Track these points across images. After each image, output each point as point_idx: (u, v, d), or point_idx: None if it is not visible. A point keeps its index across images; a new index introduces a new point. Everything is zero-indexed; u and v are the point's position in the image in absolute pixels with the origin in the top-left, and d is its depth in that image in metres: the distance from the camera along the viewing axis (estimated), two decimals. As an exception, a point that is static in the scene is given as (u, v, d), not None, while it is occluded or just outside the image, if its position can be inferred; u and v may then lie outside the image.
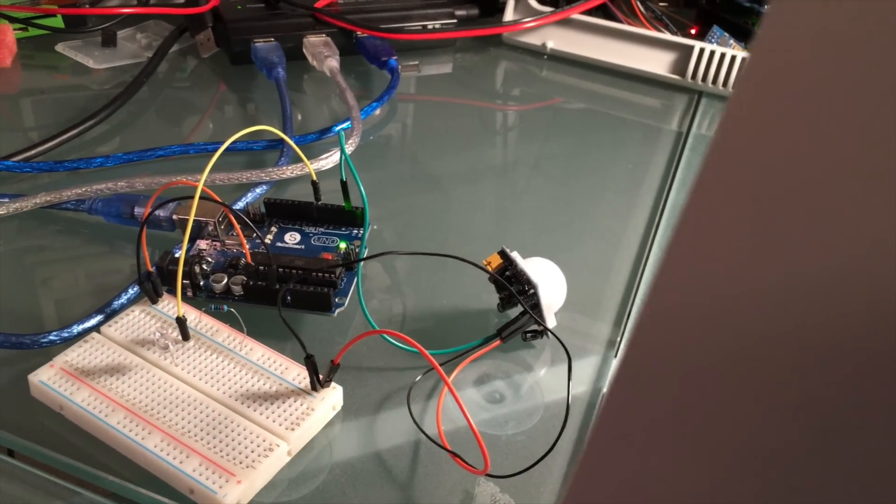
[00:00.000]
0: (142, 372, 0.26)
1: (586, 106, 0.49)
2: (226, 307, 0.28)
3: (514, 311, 0.31)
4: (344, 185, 0.32)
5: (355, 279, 0.31)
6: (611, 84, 0.50)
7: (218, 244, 0.32)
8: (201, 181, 0.27)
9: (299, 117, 0.45)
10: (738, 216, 0.11)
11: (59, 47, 0.48)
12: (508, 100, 0.50)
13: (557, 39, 0.51)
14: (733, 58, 0.47)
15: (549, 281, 0.29)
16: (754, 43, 0.11)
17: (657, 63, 0.49)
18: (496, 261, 0.30)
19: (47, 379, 0.26)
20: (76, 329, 0.28)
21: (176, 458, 0.24)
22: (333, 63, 0.45)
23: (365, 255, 0.31)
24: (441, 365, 0.24)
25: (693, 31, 0.53)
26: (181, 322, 0.27)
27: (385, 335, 0.29)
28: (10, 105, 0.46)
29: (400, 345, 0.29)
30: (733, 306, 0.11)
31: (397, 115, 0.46)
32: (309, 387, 0.26)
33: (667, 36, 0.49)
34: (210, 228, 0.32)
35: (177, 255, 0.31)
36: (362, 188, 0.29)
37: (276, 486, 0.25)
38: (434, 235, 0.37)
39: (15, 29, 0.48)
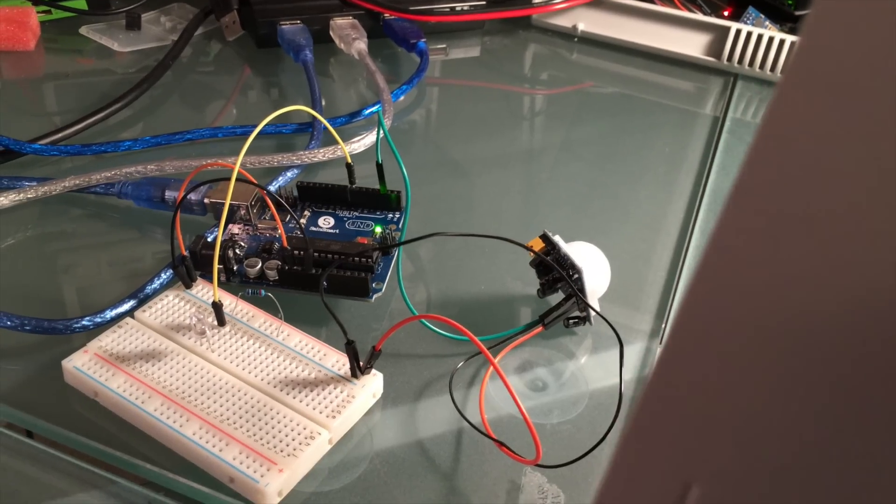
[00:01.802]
0: (178, 358, 0.26)
1: (618, 90, 0.48)
2: (263, 292, 0.28)
3: (554, 298, 0.30)
4: (380, 167, 0.31)
5: (392, 264, 0.30)
6: (643, 67, 0.49)
7: (250, 228, 0.31)
8: (237, 163, 0.26)
9: (323, 102, 0.44)
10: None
11: (83, 30, 0.48)
12: (538, 84, 0.49)
13: (588, 21, 0.50)
14: (770, 39, 0.46)
15: (593, 266, 0.29)
16: (804, 26, 0.11)
17: (691, 45, 0.48)
18: (538, 245, 0.29)
19: (82, 365, 0.25)
20: (109, 314, 0.27)
21: (215, 445, 0.23)
22: (362, 45, 0.44)
23: (405, 238, 0.30)
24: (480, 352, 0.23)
25: (726, 13, 0.52)
26: (217, 307, 0.26)
27: (426, 321, 0.28)
28: (34, 88, 0.45)
29: (442, 331, 0.28)
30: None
31: (424, 99, 0.45)
32: (349, 374, 0.26)
33: (701, 17, 0.48)
34: (242, 212, 0.31)
35: (210, 240, 0.30)
36: (404, 169, 0.28)
37: (317, 475, 0.24)
38: (467, 221, 0.36)
39: (39, 12, 0.47)
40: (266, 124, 0.29)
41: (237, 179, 0.26)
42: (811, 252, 0.11)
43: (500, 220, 0.36)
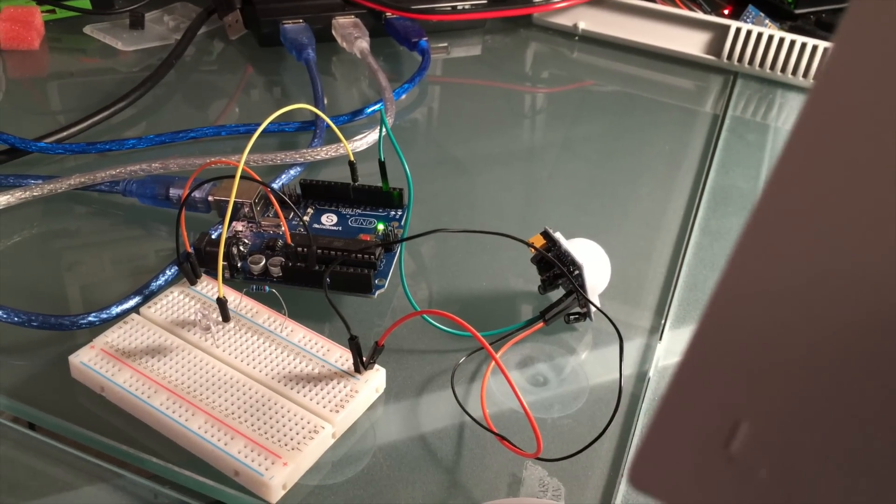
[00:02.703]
0: (183, 353, 0.26)
1: (619, 88, 0.48)
2: (267, 288, 0.28)
3: (555, 294, 0.30)
4: (382, 165, 0.31)
5: (395, 260, 0.30)
6: (643, 65, 0.49)
7: (254, 226, 0.31)
8: (241, 161, 0.26)
9: (325, 101, 0.44)
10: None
11: (87, 29, 0.48)
12: (539, 82, 0.49)
13: (589, 20, 0.50)
14: (770, 37, 0.46)
15: (593, 262, 0.29)
16: (839, 30, 0.11)
17: (691, 43, 0.48)
18: (539, 241, 0.29)
19: (88, 360, 0.25)
20: (115, 310, 0.28)
21: (220, 439, 0.23)
22: (364, 44, 0.44)
23: (407, 235, 0.30)
24: (482, 348, 0.23)
25: (726, 11, 0.52)
26: (222, 303, 0.26)
27: (428, 317, 0.28)
28: (38, 87, 0.45)
29: (444, 327, 0.29)
30: None
31: (426, 97, 0.46)
32: (352, 369, 0.26)
33: (701, 15, 0.48)
34: (246, 210, 0.32)
35: (214, 237, 0.30)
36: (407, 167, 0.28)
37: (321, 468, 0.24)
38: (468, 218, 0.36)
39: (43, 11, 0.47)
40: (271, 121, 0.29)
41: (241, 177, 0.26)
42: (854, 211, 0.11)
43: (501, 218, 0.37)
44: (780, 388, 0.12)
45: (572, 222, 0.36)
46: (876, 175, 0.11)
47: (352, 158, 0.32)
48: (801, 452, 0.12)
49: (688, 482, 0.12)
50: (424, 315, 0.28)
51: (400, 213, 0.32)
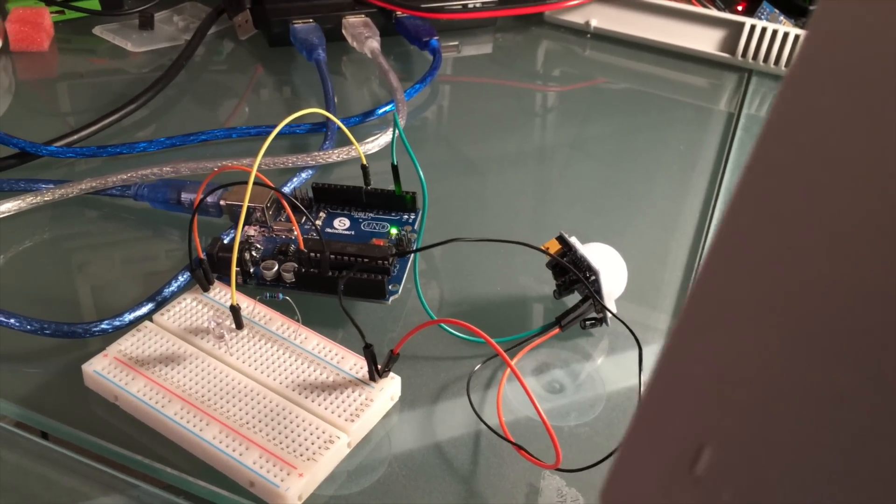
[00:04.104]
0: (197, 361, 0.26)
1: (631, 86, 0.48)
2: (281, 295, 0.28)
3: (570, 299, 0.30)
4: (395, 168, 0.31)
5: (408, 266, 0.30)
6: (656, 63, 0.49)
7: (266, 230, 0.31)
8: (255, 166, 0.26)
9: (336, 100, 0.44)
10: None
11: (97, 30, 0.48)
12: (550, 80, 0.49)
13: (601, 17, 0.50)
14: (785, 34, 0.45)
15: (609, 267, 0.29)
16: (810, 22, 0.12)
17: (705, 41, 0.48)
18: (554, 246, 0.29)
19: (101, 369, 0.25)
20: (128, 317, 0.27)
21: (235, 449, 0.23)
22: (374, 44, 0.44)
23: (422, 241, 0.30)
24: (497, 355, 0.23)
25: (740, 8, 0.52)
26: (235, 310, 0.26)
27: (444, 325, 0.28)
28: (48, 89, 0.45)
29: (459, 334, 0.28)
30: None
31: (437, 97, 0.45)
32: (366, 376, 0.26)
33: (715, 12, 0.48)
34: (258, 214, 0.31)
35: (226, 242, 0.30)
36: (421, 172, 0.28)
37: (336, 478, 0.24)
38: (480, 220, 0.36)
39: (52, 12, 0.47)
40: (286, 125, 0.29)
41: (255, 183, 0.26)
42: (819, 227, 0.12)
43: (513, 220, 0.36)
44: (741, 414, 0.12)
45: (586, 224, 0.36)
46: (841, 195, 0.12)
47: (364, 162, 0.32)
48: (762, 476, 0.12)
49: (655, 502, 0.13)
50: (443, 324, 0.28)
51: (413, 217, 0.32)
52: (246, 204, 0.27)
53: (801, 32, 0.45)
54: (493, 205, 0.37)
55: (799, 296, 0.12)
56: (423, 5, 0.47)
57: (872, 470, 0.11)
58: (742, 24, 0.46)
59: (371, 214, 0.32)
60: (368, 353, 0.25)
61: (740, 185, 0.12)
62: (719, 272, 0.13)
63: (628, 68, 0.49)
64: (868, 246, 0.12)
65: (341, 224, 0.32)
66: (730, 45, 0.47)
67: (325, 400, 0.25)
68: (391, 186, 0.32)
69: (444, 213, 0.35)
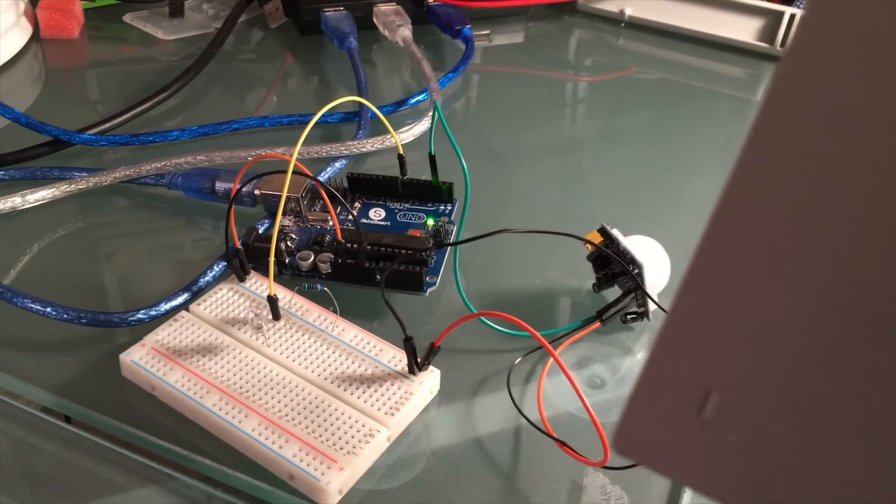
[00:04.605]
0: (234, 352, 0.25)
1: (666, 76, 0.47)
2: (319, 286, 0.27)
3: (610, 293, 0.29)
4: (433, 158, 0.31)
5: (445, 258, 0.29)
6: (692, 53, 0.48)
7: (300, 221, 0.31)
8: (294, 155, 0.26)
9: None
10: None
11: (127, 18, 0.48)
12: (582, 70, 0.48)
13: (636, 6, 0.49)
14: (825, 24, 0.44)
15: (653, 261, 0.28)
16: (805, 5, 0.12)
17: (743, 30, 0.47)
18: (596, 238, 0.28)
19: (139, 359, 0.25)
20: (164, 307, 0.27)
21: (275, 442, 0.23)
22: (406, 32, 0.43)
23: (463, 232, 0.29)
24: (539, 348, 0.23)
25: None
26: (273, 301, 0.26)
27: (485, 318, 0.28)
28: (78, 76, 0.45)
29: (499, 327, 0.28)
30: None
31: (467, 87, 0.45)
32: (405, 369, 0.25)
33: (754, 1, 0.47)
34: (292, 204, 0.31)
35: (261, 231, 0.30)
36: (463, 160, 0.27)
37: (375, 472, 0.24)
38: (515, 213, 0.35)
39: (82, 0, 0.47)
40: (324, 113, 0.28)
41: (294, 172, 0.26)
42: (825, 179, 0.12)
43: (549, 211, 0.36)
44: (747, 359, 0.13)
45: (624, 216, 0.35)
46: (853, 139, 0.12)
47: (401, 151, 0.31)
48: (767, 419, 0.13)
49: (666, 447, 0.14)
50: (483, 317, 0.27)
51: (449, 208, 0.31)
52: (285, 194, 0.26)
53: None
54: (528, 196, 0.37)
55: (806, 242, 0.12)
56: (455, -7, 0.47)
57: (878, 411, 0.12)
58: (781, 14, 0.45)
59: (407, 205, 0.32)
60: (409, 345, 0.24)
61: (751, 138, 0.13)
62: (728, 221, 0.13)
63: (663, 58, 0.48)
64: (873, 199, 0.12)
65: (377, 214, 0.31)
66: (768, 34, 0.46)
67: (364, 393, 0.24)
68: (425, 176, 0.31)
69: (478, 204, 0.35)
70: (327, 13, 0.45)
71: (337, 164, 0.35)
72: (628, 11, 0.49)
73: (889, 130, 0.12)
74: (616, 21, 0.50)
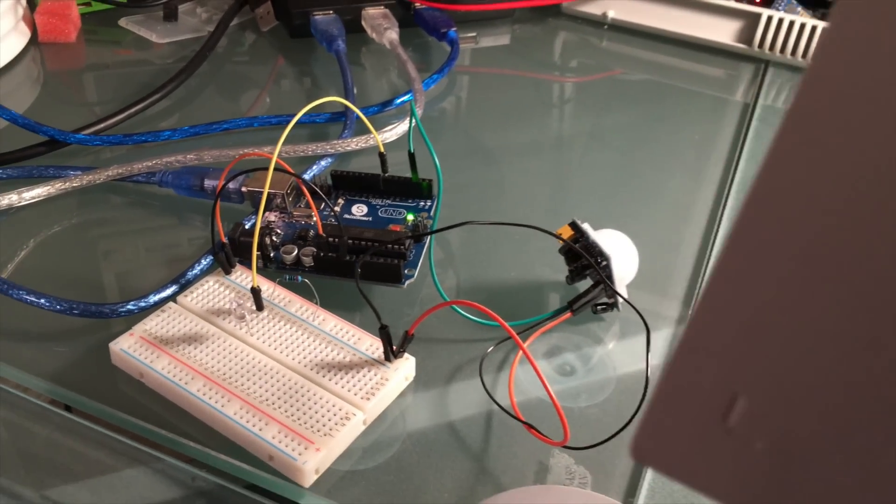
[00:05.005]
0: (219, 341, 0.27)
1: (648, 77, 0.48)
2: (300, 278, 0.28)
3: (582, 284, 0.30)
4: (412, 156, 0.32)
5: (423, 251, 0.31)
6: (673, 54, 0.49)
7: (286, 216, 0.32)
8: (275, 153, 0.27)
9: (355, 90, 0.45)
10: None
11: (123, 22, 0.49)
12: (567, 71, 0.49)
13: (618, 8, 0.50)
14: (802, 25, 0.46)
15: (621, 253, 0.29)
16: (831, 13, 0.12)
17: (722, 32, 0.48)
18: (567, 232, 0.29)
19: (128, 347, 0.26)
20: (153, 299, 0.28)
21: (255, 425, 0.24)
22: (393, 35, 0.45)
23: (437, 226, 0.31)
24: (510, 338, 0.24)
25: (758, -1, 0.52)
26: (256, 292, 0.27)
27: (457, 307, 0.29)
28: (75, 79, 0.46)
29: (472, 317, 0.29)
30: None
31: (454, 87, 0.46)
32: (382, 357, 0.26)
33: (732, 3, 0.48)
34: (278, 200, 0.32)
35: (247, 227, 0.31)
36: (436, 157, 0.29)
37: (352, 454, 0.25)
38: (496, 208, 0.36)
39: (79, 4, 0.48)
40: (304, 113, 0.29)
41: (274, 169, 0.27)
42: (851, 182, 0.12)
43: (529, 208, 0.37)
44: (776, 363, 0.12)
45: (601, 212, 0.36)
46: (875, 144, 0.11)
47: (382, 150, 0.32)
48: (796, 425, 0.12)
49: (687, 454, 0.13)
50: (453, 305, 0.29)
51: (429, 204, 0.33)
52: (266, 190, 0.27)
53: (819, 23, 0.45)
54: (510, 193, 0.38)
55: (833, 246, 0.12)
56: (441, -3, 0.48)
57: None
58: (759, 15, 0.46)
59: (388, 201, 0.33)
60: (384, 333, 0.26)
61: (777, 142, 0.12)
62: (753, 222, 0.12)
63: (645, 59, 0.49)
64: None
65: (359, 210, 0.33)
66: (747, 35, 0.47)
67: (341, 379, 0.26)
68: (407, 173, 0.33)
69: (461, 200, 0.36)
70: (317, 17, 0.46)
71: (323, 163, 0.36)
72: (611, 14, 0.50)
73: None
74: (599, 23, 0.51)
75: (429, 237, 0.30)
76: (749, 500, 0.12)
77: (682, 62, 0.48)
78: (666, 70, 0.48)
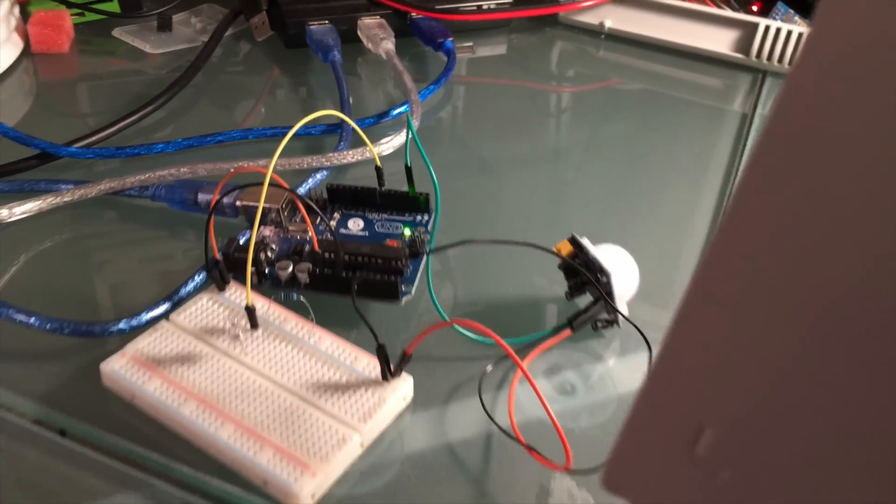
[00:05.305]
0: (212, 361, 0.26)
1: (645, 87, 0.48)
2: (295, 295, 0.28)
3: (582, 300, 0.30)
4: (409, 170, 0.31)
5: (421, 267, 0.30)
6: (671, 64, 0.49)
7: (281, 231, 0.31)
8: (270, 167, 0.26)
9: (350, 101, 0.44)
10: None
11: (116, 32, 0.48)
12: (564, 81, 0.49)
13: (615, 18, 0.50)
14: (800, 35, 0.45)
15: (621, 269, 0.29)
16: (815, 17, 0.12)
17: (719, 41, 0.48)
18: (566, 248, 0.29)
19: (119, 368, 0.26)
20: (145, 317, 0.28)
21: (249, 449, 0.23)
22: (389, 45, 0.44)
23: (435, 242, 0.30)
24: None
25: (755, 8, 0.51)
26: (251, 311, 0.27)
27: (458, 326, 0.28)
28: (68, 90, 0.46)
29: (472, 335, 0.29)
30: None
31: (450, 98, 0.46)
32: (379, 377, 0.26)
33: (730, 13, 0.48)
34: (273, 215, 0.32)
35: (241, 242, 0.30)
36: (433, 173, 0.28)
37: (349, 478, 0.24)
38: (494, 221, 0.36)
39: (72, 14, 0.48)
40: (300, 127, 0.29)
41: (270, 184, 0.26)
42: (819, 220, 0.12)
43: (527, 221, 0.36)
44: (740, 396, 0.13)
45: (599, 225, 0.36)
46: (846, 178, 0.12)
47: (378, 164, 0.32)
48: (761, 455, 0.12)
49: (655, 484, 0.13)
50: (456, 325, 0.28)
51: (427, 218, 0.32)
52: (261, 205, 0.27)
53: (818, 33, 0.45)
54: (507, 206, 0.37)
55: (799, 283, 0.12)
56: (437, 6, 0.47)
57: (872, 451, 0.12)
58: (756, 25, 0.46)
59: (385, 215, 0.33)
60: (381, 352, 0.25)
61: (745, 177, 0.13)
62: (722, 258, 0.13)
63: (642, 69, 0.49)
64: (868, 240, 0.12)
65: (355, 225, 0.32)
66: (744, 45, 0.47)
67: (338, 400, 0.25)
68: (405, 187, 0.32)
69: (458, 213, 0.35)
70: (312, 27, 0.46)
71: (318, 176, 0.36)
72: (608, 24, 0.49)
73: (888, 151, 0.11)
74: (596, 33, 0.50)
75: (428, 254, 0.30)
76: None
77: (680, 72, 0.48)
78: (663, 80, 0.48)
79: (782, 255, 0.12)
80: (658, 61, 0.49)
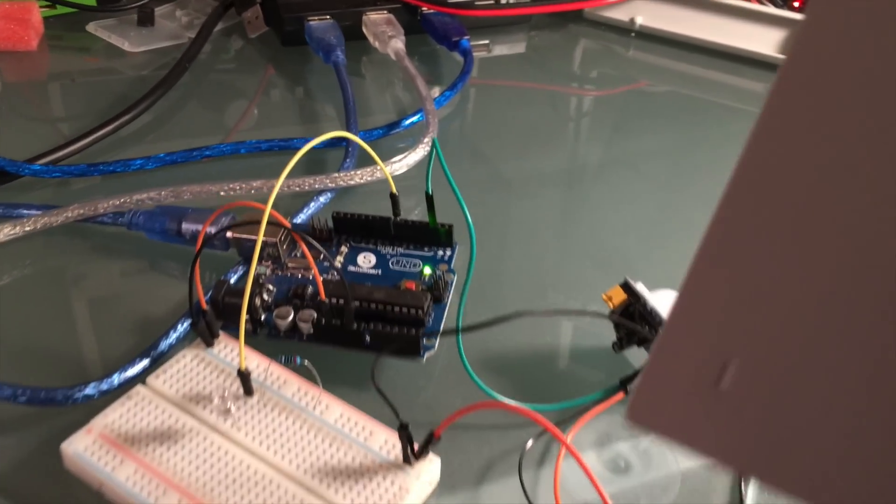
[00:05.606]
0: (197, 438, 0.22)
1: (679, 90, 0.43)
2: (299, 359, 0.23)
3: (631, 353, 0.26)
4: (430, 198, 0.27)
5: (445, 313, 0.26)
6: (708, 65, 0.44)
7: (279, 268, 0.27)
8: (269, 204, 0.22)
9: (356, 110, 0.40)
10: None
11: (91, 27, 0.44)
12: (588, 83, 0.45)
13: (647, 14, 0.45)
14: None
15: (685, 322, 0.24)
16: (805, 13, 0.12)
17: (762, 41, 0.43)
18: (618, 296, 0.25)
19: (84, 449, 0.21)
20: (117, 380, 0.23)
21: (243, 558, 0.19)
22: (399, 44, 0.39)
23: (469, 286, 0.26)
24: (554, 424, 0.19)
25: (797, 4, 0.47)
26: (244, 376, 0.22)
27: (492, 391, 0.24)
28: (37, 93, 0.41)
29: (507, 400, 0.24)
30: None
31: (464, 103, 0.41)
32: (400, 457, 0.21)
33: (773, 10, 0.43)
34: (269, 250, 0.27)
35: (232, 282, 0.26)
36: (465, 204, 0.24)
37: (364, 585, 0.20)
38: (521, 253, 0.31)
39: (41, 6, 0.43)
40: (299, 158, 0.24)
41: (269, 223, 0.22)
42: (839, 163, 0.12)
43: (561, 250, 0.32)
44: (765, 329, 0.13)
45: (643, 259, 0.31)
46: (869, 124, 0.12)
47: (394, 191, 0.27)
48: (786, 389, 0.13)
49: (681, 417, 0.13)
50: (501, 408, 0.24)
51: (449, 254, 0.28)
52: (258, 246, 0.22)
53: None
54: (534, 233, 0.33)
55: (823, 214, 0.12)
56: (451, 0, 0.43)
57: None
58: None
59: (400, 249, 0.28)
60: (404, 434, 0.21)
61: (765, 116, 0.13)
62: (744, 189, 0.13)
63: (677, 71, 0.44)
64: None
65: (366, 261, 0.28)
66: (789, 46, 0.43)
67: (350, 490, 0.21)
68: (420, 210, 0.28)
69: (482, 243, 0.31)
70: (312, 22, 0.41)
71: (321, 199, 0.31)
72: (639, 20, 0.45)
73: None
74: (626, 30, 0.46)
75: (447, 296, 0.26)
76: (742, 459, 0.13)
77: (719, 75, 0.44)
78: (699, 83, 0.43)
79: (808, 179, 0.13)
80: (694, 62, 0.44)
